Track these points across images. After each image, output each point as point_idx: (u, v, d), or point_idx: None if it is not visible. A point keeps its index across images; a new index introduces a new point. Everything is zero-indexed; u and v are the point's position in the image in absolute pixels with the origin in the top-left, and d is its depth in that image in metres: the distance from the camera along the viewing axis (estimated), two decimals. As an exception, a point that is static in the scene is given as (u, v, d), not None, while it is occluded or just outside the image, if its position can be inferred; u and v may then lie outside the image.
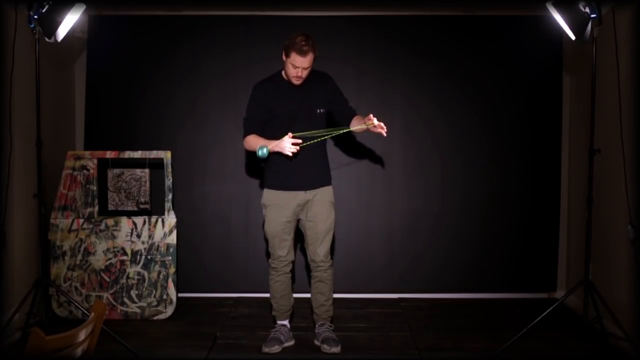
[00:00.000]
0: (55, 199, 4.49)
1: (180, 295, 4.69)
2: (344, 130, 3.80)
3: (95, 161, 4.55)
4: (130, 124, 5.02)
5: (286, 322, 4.05)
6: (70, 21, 3.86)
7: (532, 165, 5.01)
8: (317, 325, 4.04)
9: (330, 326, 4.03)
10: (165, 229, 4.50)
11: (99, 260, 4.49)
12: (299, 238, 4.09)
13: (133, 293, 4.49)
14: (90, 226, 4.49)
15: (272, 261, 3.97)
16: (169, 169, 4.54)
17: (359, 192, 5.04)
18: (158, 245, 4.50)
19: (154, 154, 4.56)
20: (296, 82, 3.76)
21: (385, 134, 3.66)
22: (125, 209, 4.59)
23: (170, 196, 4.53)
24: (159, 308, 4.49)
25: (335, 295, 4.10)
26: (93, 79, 5.01)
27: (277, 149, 3.60)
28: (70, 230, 4.48)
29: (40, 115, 3.91)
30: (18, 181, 4.04)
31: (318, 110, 3.83)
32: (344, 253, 4.99)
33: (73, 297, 4.38)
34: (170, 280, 4.49)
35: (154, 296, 4.49)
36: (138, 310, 4.49)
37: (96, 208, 4.52)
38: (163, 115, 5.00)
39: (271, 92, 3.82)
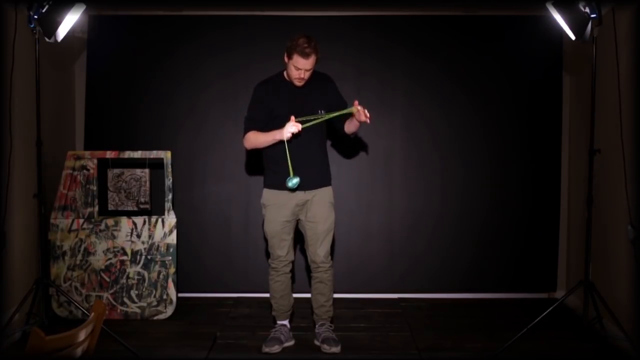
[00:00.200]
0: (55, 199, 4.49)
1: (180, 295, 4.69)
2: (337, 114, 3.75)
3: (95, 161, 4.55)
4: (130, 124, 5.02)
5: (286, 322, 4.05)
6: (70, 21, 3.86)
7: (532, 165, 5.01)
8: (317, 325, 4.04)
9: (331, 326, 4.03)
10: (165, 229, 4.50)
11: (99, 260, 4.49)
12: (299, 238, 4.09)
13: (133, 293, 4.49)
14: (90, 226, 4.49)
15: (271, 261, 3.97)
16: (169, 169, 4.54)
17: (359, 192, 5.04)
18: (158, 245, 4.50)
19: (154, 154, 4.56)
20: (298, 83, 3.77)
21: (368, 121, 3.65)
22: (125, 209, 4.59)
23: (170, 196, 4.53)
24: (159, 308, 4.49)
25: (335, 296, 4.09)
26: (93, 79, 5.01)
27: (278, 137, 3.66)
28: (70, 230, 4.48)
29: (40, 115, 3.90)
30: (18, 181, 4.04)
31: (319, 111, 3.83)
32: (344, 253, 4.99)
33: (73, 297, 4.38)
34: (170, 280, 4.49)
35: (154, 296, 4.49)
36: (138, 310, 4.49)
37: (96, 208, 4.52)
38: (163, 115, 5.00)
39: (272, 93, 3.83)
